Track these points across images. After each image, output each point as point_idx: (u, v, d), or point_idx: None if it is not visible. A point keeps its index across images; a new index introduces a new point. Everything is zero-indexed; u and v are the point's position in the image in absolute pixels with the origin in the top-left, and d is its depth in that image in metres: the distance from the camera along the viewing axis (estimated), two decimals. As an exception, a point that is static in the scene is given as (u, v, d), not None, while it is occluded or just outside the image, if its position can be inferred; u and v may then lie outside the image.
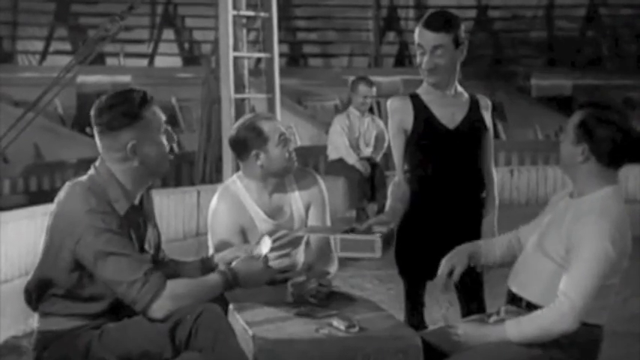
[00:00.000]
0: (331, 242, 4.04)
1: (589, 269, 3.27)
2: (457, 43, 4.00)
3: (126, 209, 3.25)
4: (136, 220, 3.33)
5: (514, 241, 3.70)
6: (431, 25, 3.98)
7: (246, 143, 3.99)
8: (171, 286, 3.17)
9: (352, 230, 3.69)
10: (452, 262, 3.62)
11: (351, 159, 8.69)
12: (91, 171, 3.29)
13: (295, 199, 4.09)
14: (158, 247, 3.52)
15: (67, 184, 3.27)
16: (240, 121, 4.11)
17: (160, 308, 3.15)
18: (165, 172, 3.41)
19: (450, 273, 3.61)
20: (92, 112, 3.26)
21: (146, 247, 3.39)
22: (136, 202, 3.34)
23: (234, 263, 3.43)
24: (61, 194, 3.25)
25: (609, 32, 17.29)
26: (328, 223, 4.13)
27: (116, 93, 3.29)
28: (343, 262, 4.22)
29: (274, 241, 3.80)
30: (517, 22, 17.65)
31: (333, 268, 4.09)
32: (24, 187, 11.22)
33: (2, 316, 5.78)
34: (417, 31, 4.02)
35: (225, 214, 3.99)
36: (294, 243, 4.12)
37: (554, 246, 3.39)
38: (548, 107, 15.32)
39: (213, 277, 3.30)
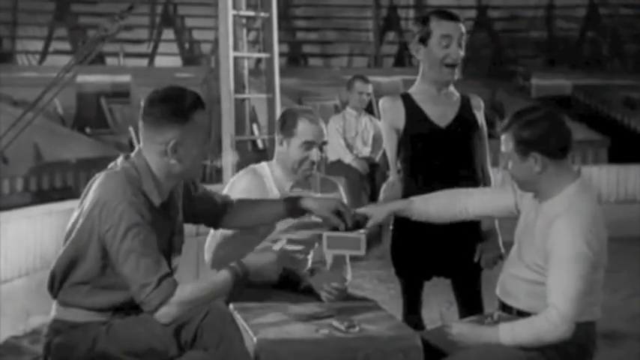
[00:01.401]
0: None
1: (570, 276, 3.27)
2: None
3: (160, 202, 3.28)
4: (167, 215, 3.35)
5: (458, 206, 3.71)
6: (453, 15, 4.05)
7: (281, 125, 4.07)
8: (179, 293, 3.17)
9: (333, 229, 3.73)
10: (370, 212, 3.67)
11: (348, 158, 8.69)
12: (124, 163, 3.30)
13: None
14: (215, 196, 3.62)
15: (101, 174, 3.28)
16: (299, 106, 4.15)
17: (165, 314, 3.16)
18: (194, 178, 3.47)
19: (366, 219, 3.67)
20: (143, 102, 3.28)
21: (177, 241, 3.41)
22: (166, 198, 3.36)
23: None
24: (97, 184, 3.24)
25: (609, 32, 17.28)
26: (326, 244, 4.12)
27: (172, 88, 3.32)
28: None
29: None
30: (517, 22, 17.63)
31: (348, 277, 4.11)
32: (23, 187, 11.21)
33: (2, 316, 5.78)
34: (439, 23, 4.01)
35: (244, 185, 4.02)
36: (308, 244, 4.13)
37: (532, 257, 3.41)
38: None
39: (223, 275, 3.28)
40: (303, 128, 4.01)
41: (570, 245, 3.28)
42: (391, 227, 4.19)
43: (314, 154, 4.01)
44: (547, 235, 3.33)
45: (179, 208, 3.47)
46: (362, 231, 3.64)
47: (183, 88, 3.33)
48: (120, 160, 3.32)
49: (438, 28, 4.02)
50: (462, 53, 4.03)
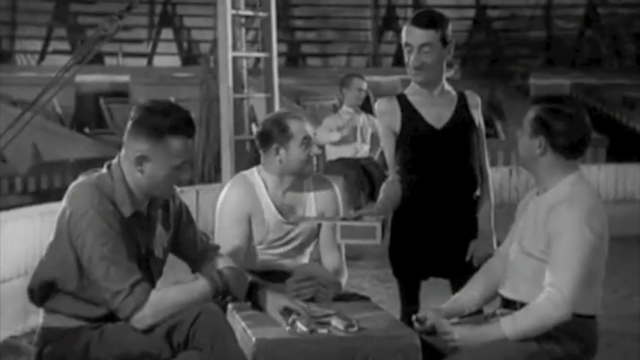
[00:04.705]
0: (327, 228, 4.08)
1: (572, 257, 3.31)
2: (444, 42, 4.03)
3: (130, 213, 3.25)
4: (141, 226, 3.31)
5: (489, 274, 3.68)
6: (419, 22, 4.03)
7: (270, 136, 4.03)
8: (153, 299, 3.16)
9: (344, 219, 3.70)
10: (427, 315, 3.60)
11: (333, 137, 8.57)
12: (103, 170, 3.29)
13: (310, 204, 4.10)
14: (199, 239, 3.52)
15: (75, 181, 3.27)
16: (271, 114, 4.21)
17: (140, 320, 3.15)
18: (163, 197, 3.37)
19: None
20: (135, 106, 3.27)
21: (156, 253, 3.37)
22: (142, 208, 3.32)
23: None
24: (68, 192, 3.25)
25: (608, 32, 17.29)
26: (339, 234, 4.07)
27: (168, 103, 3.29)
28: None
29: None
30: (515, 21, 17.64)
31: (344, 279, 4.10)
32: (22, 186, 11.21)
33: (1, 316, 5.78)
34: (404, 29, 4.05)
35: (236, 199, 4.00)
36: (299, 249, 4.12)
37: (534, 244, 3.43)
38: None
39: (202, 284, 3.27)
40: (297, 127, 4.02)
41: (571, 227, 3.32)
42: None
43: (314, 148, 4.05)
44: (548, 220, 3.38)
45: (168, 223, 3.41)
46: (377, 220, 3.62)
47: (178, 108, 3.27)
48: (104, 166, 3.30)
49: (404, 33, 4.02)
50: (425, 60, 4.00)
